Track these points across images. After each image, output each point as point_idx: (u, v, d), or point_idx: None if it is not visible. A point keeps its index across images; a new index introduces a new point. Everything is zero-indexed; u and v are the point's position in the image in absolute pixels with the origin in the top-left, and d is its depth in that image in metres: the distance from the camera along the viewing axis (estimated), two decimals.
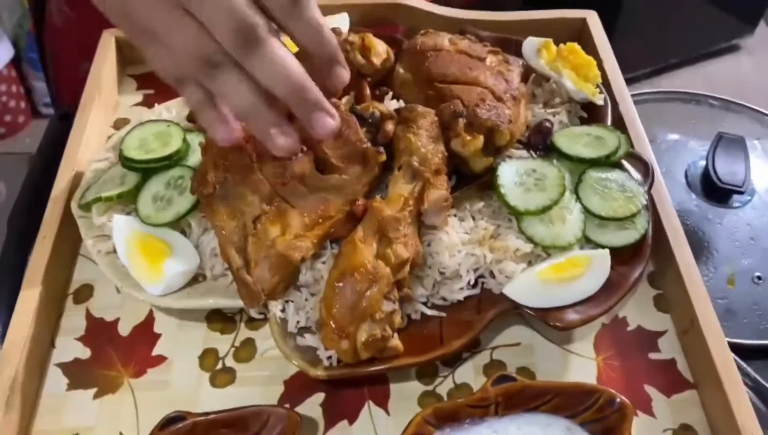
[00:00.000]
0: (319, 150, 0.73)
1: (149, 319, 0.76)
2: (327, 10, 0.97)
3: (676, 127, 1.16)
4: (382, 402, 0.70)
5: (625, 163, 0.79)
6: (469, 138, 0.75)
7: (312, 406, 0.69)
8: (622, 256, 0.73)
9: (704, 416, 0.69)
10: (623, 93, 0.91)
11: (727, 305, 0.92)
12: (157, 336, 0.75)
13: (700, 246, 0.99)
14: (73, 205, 0.79)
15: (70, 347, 0.74)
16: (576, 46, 0.88)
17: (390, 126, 0.76)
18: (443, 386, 0.71)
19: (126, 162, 0.78)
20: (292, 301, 0.72)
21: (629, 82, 0.94)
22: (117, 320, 0.76)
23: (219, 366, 0.72)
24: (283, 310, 0.71)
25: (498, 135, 0.76)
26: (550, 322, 0.69)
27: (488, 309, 0.71)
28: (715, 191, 1.04)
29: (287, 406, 0.69)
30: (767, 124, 1.18)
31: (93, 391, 0.71)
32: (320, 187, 0.72)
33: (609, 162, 0.78)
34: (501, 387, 0.64)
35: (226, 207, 0.71)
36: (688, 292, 0.72)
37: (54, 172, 0.84)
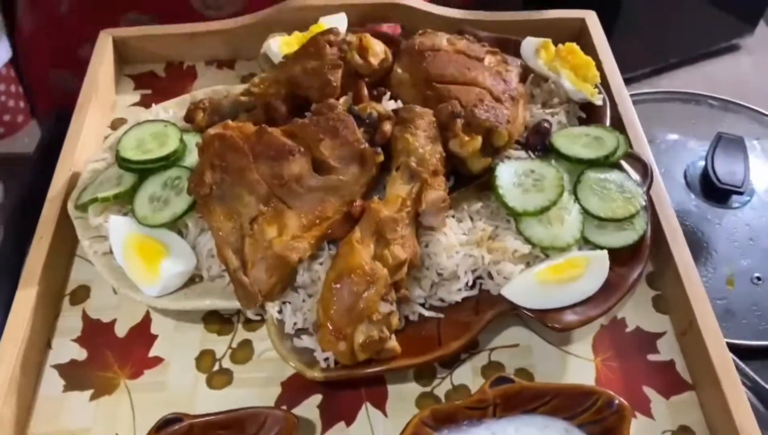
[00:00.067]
0: (317, 151, 0.73)
1: (146, 321, 0.76)
2: (325, 10, 0.97)
3: (675, 128, 1.16)
4: (380, 403, 0.70)
5: (623, 163, 0.79)
6: (467, 138, 0.74)
7: (309, 408, 0.69)
8: (620, 257, 0.73)
9: (703, 417, 0.69)
10: (622, 93, 0.91)
11: (726, 306, 0.92)
12: (154, 337, 0.74)
13: (699, 246, 0.98)
14: (70, 206, 0.79)
15: (66, 348, 0.74)
16: (575, 46, 0.88)
17: (388, 126, 0.75)
18: (441, 388, 0.71)
19: (123, 162, 0.78)
20: (290, 303, 0.72)
21: (628, 82, 0.93)
22: (114, 321, 0.76)
23: (216, 367, 0.72)
24: (280, 312, 0.71)
25: (496, 135, 0.76)
26: (548, 323, 0.69)
27: (486, 310, 0.71)
28: (715, 191, 1.04)
29: (284, 407, 0.68)
30: (767, 124, 1.17)
31: (89, 392, 0.70)
32: (317, 188, 0.72)
33: (608, 162, 0.78)
34: (499, 388, 0.64)
35: (223, 208, 0.71)
36: (687, 293, 0.72)
37: (51, 172, 0.83)
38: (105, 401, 0.70)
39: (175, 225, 0.76)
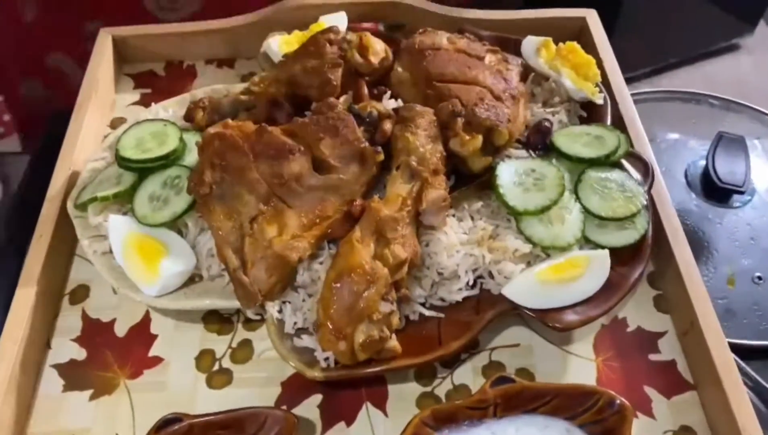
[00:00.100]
0: (317, 150, 0.73)
1: (146, 320, 0.76)
2: (325, 9, 0.97)
3: (675, 127, 1.16)
4: (380, 403, 0.69)
5: (624, 162, 0.79)
6: (467, 137, 0.74)
7: (309, 408, 0.69)
8: (621, 257, 0.73)
9: (704, 417, 0.69)
10: (623, 92, 0.91)
11: (727, 305, 0.92)
12: (154, 337, 0.74)
13: (699, 246, 0.98)
14: (69, 205, 0.79)
15: (65, 348, 0.74)
16: (575, 45, 0.88)
17: (388, 125, 0.75)
18: (441, 387, 0.71)
19: (122, 161, 0.78)
20: (290, 302, 0.71)
21: (628, 81, 0.93)
22: (113, 321, 0.75)
23: (216, 367, 0.72)
24: (280, 311, 0.71)
25: (497, 134, 0.75)
26: (549, 323, 0.69)
27: (487, 310, 0.71)
28: (715, 191, 1.04)
29: (284, 407, 0.68)
30: (767, 123, 1.17)
31: (89, 392, 0.70)
32: (317, 187, 0.72)
33: (609, 162, 0.77)
34: (500, 388, 0.63)
35: (222, 207, 0.71)
36: (689, 293, 0.72)
37: (50, 171, 0.83)
38: (105, 401, 0.70)
39: (175, 224, 0.76)
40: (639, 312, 0.77)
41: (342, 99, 0.78)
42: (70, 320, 0.76)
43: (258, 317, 0.74)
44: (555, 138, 0.80)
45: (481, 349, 0.73)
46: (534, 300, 0.70)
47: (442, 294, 0.72)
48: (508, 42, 0.91)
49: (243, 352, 0.73)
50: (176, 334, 0.74)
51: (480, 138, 0.75)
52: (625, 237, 0.74)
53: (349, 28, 0.93)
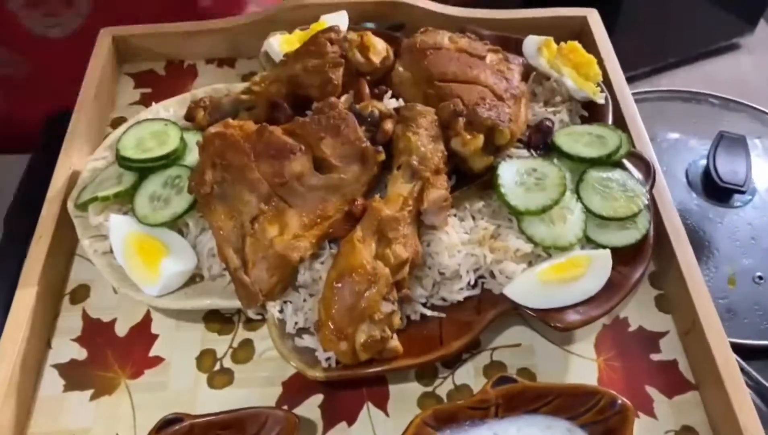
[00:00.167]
0: (318, 149, 0.72)
1: (146, 320, 0.75)
2: (326, 8, 0.97)
3: (676, 126, 1.16)
4: (381, 403, 0.69)
5: (626, 162, 0.79)
6: (469, 137, 0.74)
7: (310, 408, 0.69)
8: (623, 256, 0.73)
9: (706, 417, 0.69)
10: (624, 92, 0.91)
11: (728, 305, 0.92)
12: (155, 337, 0.74)
13: (700, 246, 0.98)
14: (70, 205, 0.79)
15: (66, 348, 0.73)
16: (577, 44, 0.88)
17: (389, 125, 0.75)
18: (443, 387, 0.70)
19: (123, 161, 0.77)
20: (291, 302, 0.71)
21: (628, 80, 0.93)
22: (114, 321, 0.75)
23: (217, 367, 0.72)
24: (281, 311, 0.71)
25: (498, 134, 0.75)
26: (550, 322, 0.68)
27: (488, 309, 0.71)
28: (716, 190, 1.04)
29: (285, 407, 0.68)
30: None
31: (90, 392, 0.70)
32: (318, 187, 0.72)
33: (610, 161, 0.77)
34: (501, 388, 0.63)
35: (223, 206, 0.71)
36: (690, 293, 0.72)
37: (51, 171, 0.83)
38: (105, 401, 0.69)
39: (176, 224, 0.76)
40: (640, 312, 0.76)
41: (343, 98, 0.78)
42: (70, 320, 0.76)
43: (259, 317, 0.74)
44: (556, 137, 0.80)
45: (483, 349, 0.73)
46: (535, 300, 0.70)
47: (443, 294, 0.72)
48: (509, 41, 0.91)
49: (244, 352, 0.73)
50: (177, 334, 0.74)
51: (481, 137, 0.74)
52: (627, 237, 0.74)
53: (349, 28, 0.93)
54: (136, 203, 0.75)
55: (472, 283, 0.73)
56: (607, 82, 0.91)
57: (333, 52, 0.82)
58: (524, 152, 0.80)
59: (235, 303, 0.71)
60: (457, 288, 0.72)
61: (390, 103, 0.83)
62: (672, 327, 0.75)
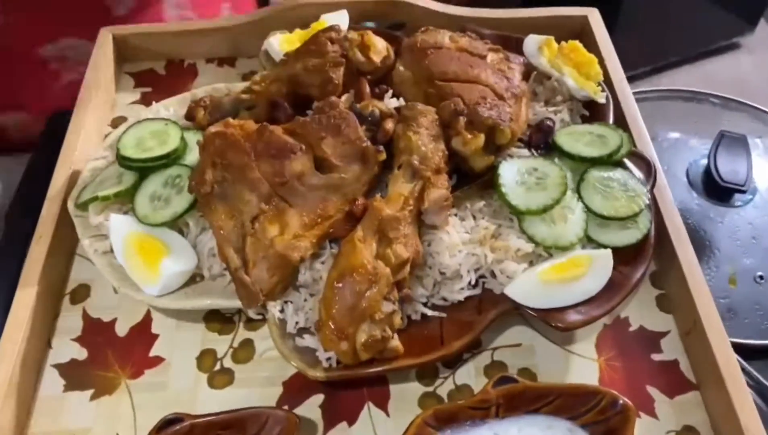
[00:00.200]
0: (318, 149, 0.72)
1: (147, 320, 0.75)
2: (326, 8, 0.97)
3: (677, 126, 1.16)
4: (382, 403, 0.69)
5: (627, 161, 0.79)
6: (469, 136, 0.74)
7: (311, 408, 0.69)
8: (624, 256, 0.72)
9: (707, 417, 0.69)
10: (625, 91, 0.91)
11: (729, 305, 0.92)
12: (155, 337, 0.74)
13: (701, 245, 0.98)
14: (70, 205, 0.79)
15: (66, 348, 0.73)
16: (577, 43, 0.88)
17: (390, 124, 0.75)
18: (444, 387, 0.70)
19: (123, 161, 0.77)
20: (291, 302, 0.71)
21: (629, 80, 0.93)
22: (114, 320, 0.75)
23: (217, 367, 0.72)
24: (281, 311, 0.71)
25: (499, 133, 0.75)
26: (551, 322, 0.68)
27: (489, 309, 0.71)
28: (717, 190, 1.04)
29: (286, 407, 0.68)
30: None
31: (90, 392, 0.70)
32: (319, 187, 0.72)
33: (611, 161, 0.77)
34: (502, 388, 0.63)
35: (224, 206, 0.71)
36: (691, 292, 0.72)
37: (51, 170, 0.83)
38: (105, 401, 0.69)
39: (176, 224, 0.76)
40: (641, 311, 0.76)
41: (344, 98, 0.78)
42: (70, 320, 0.76)
43: (259, 317, 0.74)
44: (557, 137, 0.80)
45: (483, 348, 0.73)
46: (536, 299, 0.70)
47: (444, 293, 0.72)
48: (510, 40, 0.91)
49: (244, 351, 0.73)
50: (177, 334, 0.74)
51: (482, 137, 0.74)
52: (628, 236, 0.73)
53: (350, 27, 0.93)
54: (137, 203, 0.75)
55: (473, 282, 0.73)
56: (608, 82, 0.91)
57: (333, 52, 0.81)
58: (525, 152, 0.80)
59: (236, 303, 0.71)
60: (457, 288, 0.72)
61: (391, 103, 0.82)
62: (673, 327, 0.75)
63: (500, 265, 0.72)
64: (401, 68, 0.84)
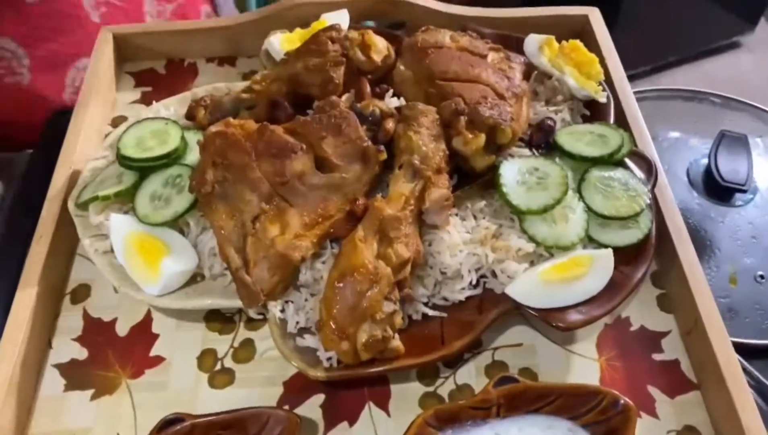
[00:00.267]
0: (319, 148, 0.72)
1: (147, 320, 0.75)
2: (326, 7, 0.97)
3: (677, 125, 1.16)
4: (383, 403, 0.69)
5: (628, 161, 0.79)
6: (470, 136, 0.74)
7: (312, 408, 0.69)
8: (625, 256, 0.72)
9: (708, 417, 0.69)
10: (626, 90, 0.91)
11: (730, 304, 0.92)
12: (155, 336, 0.74)
13: (702, 245, 0.98)
14: (70, 204, 0.79)
15: (67, 348, 0.73)
16: (578, 43, 0.88)
17: (390, 124, 0.75)
18: (444, 387, 0.70)
19: (123, 160, 0.77)
20: (292, 302, 0.71)
21: (629, 79, 0.93)
22: (114, 320, 0.75)
23: (218, 367, 0.72)
24: (282, 311, 0.71)
25: (500, 133, 0.75)
26: (552, 322, 0.68)
27: (490, 309, 0.71)
28: (718, 189, 1.04)
29: (287, 407, 0.68)
30: None
31: (90, 392, 0.70)
32: (320, 186, 0.72)
33: (612, 160, 0.77)
34: (503, 388, 0.63)
35: (224, 206, 0.71)
36: (692, 292, 0.72)
37: (51, 170, 0.83)
38: (106, 401, 0.69)
39: (177, 223, 0.76)
40: (642, 311, 0.76)
41: (344, 97, 0.78)
42: (71, 320, 0.75)
43: (260, 317, 0.74)
44: (558, 136, 0.80)
45: (484, 348, 0.73)
46: (537, 299, 0.70)
47: (445, 293, 0.72)
48: (510, 40, 0.91)
49: (245, 351, 0.73)
50: (178, 334, 0.74)
51: (483, 136, 0.74)
52: (629, 236, 0.73)
53: (350, 27, 0.93)
54: (137, 202, 0.75)
55: (474, 282, 0.73)
56: (608, 81, 0.91)
57: (334, 51, 0.81)
58: (526, 151, 0.80)
59: (236, 302, 0.71)
60: (458, 287, 0.72)
61: (391, 102, 0.82)
62: (674, 326, 0.75)
63: (501, 264, 0.72)
64: (402, 68, 0.84)
